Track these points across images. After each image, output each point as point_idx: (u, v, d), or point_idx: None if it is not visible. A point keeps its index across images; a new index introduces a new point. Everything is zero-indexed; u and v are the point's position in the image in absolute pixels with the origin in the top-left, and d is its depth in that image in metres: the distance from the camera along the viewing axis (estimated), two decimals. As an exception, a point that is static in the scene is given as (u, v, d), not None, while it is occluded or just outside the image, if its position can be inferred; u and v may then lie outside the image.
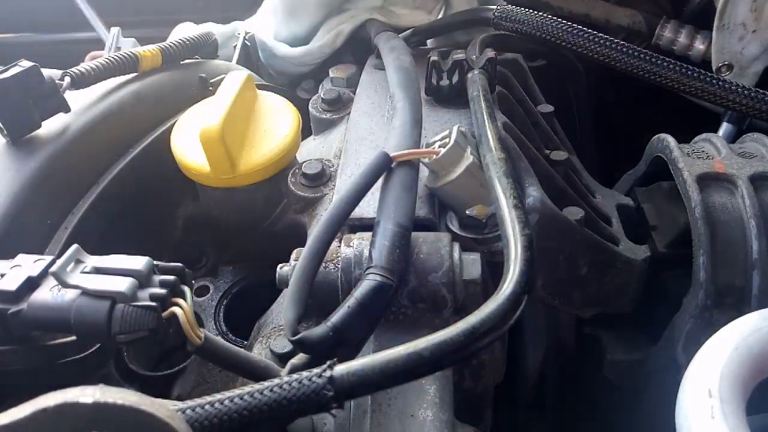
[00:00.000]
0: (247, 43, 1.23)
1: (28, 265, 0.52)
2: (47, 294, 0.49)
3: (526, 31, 0.87)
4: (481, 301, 0.49)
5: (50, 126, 0.74)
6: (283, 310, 0.56)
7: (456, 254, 0.61)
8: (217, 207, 0.85)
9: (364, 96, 0.86)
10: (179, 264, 0.51)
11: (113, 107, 0.81)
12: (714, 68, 1.01)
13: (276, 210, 0.83)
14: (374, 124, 0.79)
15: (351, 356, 0.53)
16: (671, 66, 0.81)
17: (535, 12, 0.89)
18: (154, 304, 0.47)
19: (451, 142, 0.65)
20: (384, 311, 0.57)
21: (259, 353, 0.63)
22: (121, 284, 0.47)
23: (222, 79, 0.84)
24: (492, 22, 0.90)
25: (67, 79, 0.76)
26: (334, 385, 0.42)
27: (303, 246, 0.61)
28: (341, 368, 0.43)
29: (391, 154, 0.63)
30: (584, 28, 0.85)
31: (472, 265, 0.61)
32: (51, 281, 0.50)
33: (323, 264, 0.61)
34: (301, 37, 1.09)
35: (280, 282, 0.64)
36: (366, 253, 0.59)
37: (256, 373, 0.53)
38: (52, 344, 0.54)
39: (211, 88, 0.92)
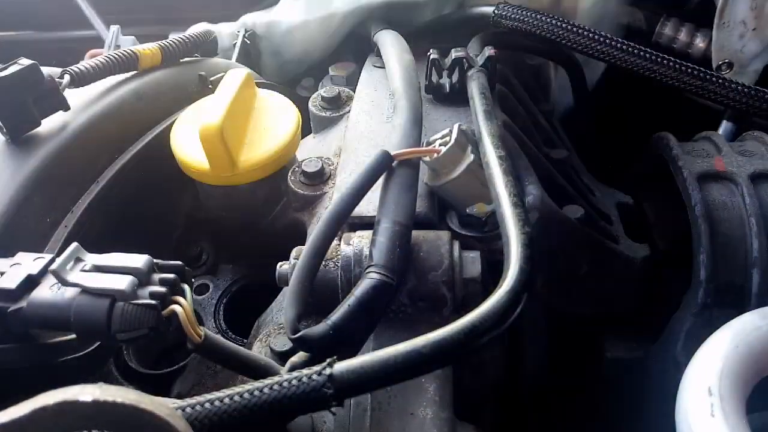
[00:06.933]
0: (247, 41, 1.23)
1: (27, 263, 0.51)
2: (47, 292, 0.49)
3: (526, 29, 0.87)
4: (480, 300, 0.49)
5: (50, 124, 0.73)
6: (283, 308, 0.56)
7: (456, 253, 0.61)
8: (217, 205, 0.85)
9: (364, 94, 0.86)
10: (179, 262, 0.51)
11: (113, 105, 0.81)
12: (714, 66, 1.01)
13: (276, 208, 0.83)
14: (374, 123, 0.79)
15: (351, 355, 0.53)
16: (671, 64, 0.81)
17: (535, 10, 0.89)
18: (154, 302, 0.47)
19: (452, 140, 0.64)
20: (384, 310, 0.57)
21: (258, 351, 0.63)
22: (121, 282, 0.47)
23: (221, 77, 0.84)
24: (492, 20, 0.90)
25: (67, 78, 0.76)
26: (334, 383, 0.42)
27: (303, 244, 0.61)
28: (341, 366, 0.43)
29: (392, 153, 0.63)
30: (584, 26, 0.85)
31: (472, 263, 0.60)
32: (51, 279, 0.50)
33: (323, 262, 0.61)
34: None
35: (280, 280, 0.64)
36: (366, 251, 0.59)
37: (256, 371, 0.53)
38: (51, 342, 0.54)
39: (210, 86, 0.92)
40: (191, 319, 0.48)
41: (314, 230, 0.59)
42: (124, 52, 0.85)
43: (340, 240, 0.63)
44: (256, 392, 0.42)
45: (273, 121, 0.82)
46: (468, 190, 0.65)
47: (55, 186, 0.71)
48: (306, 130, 0.89)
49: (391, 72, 0.80)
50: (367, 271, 0.55)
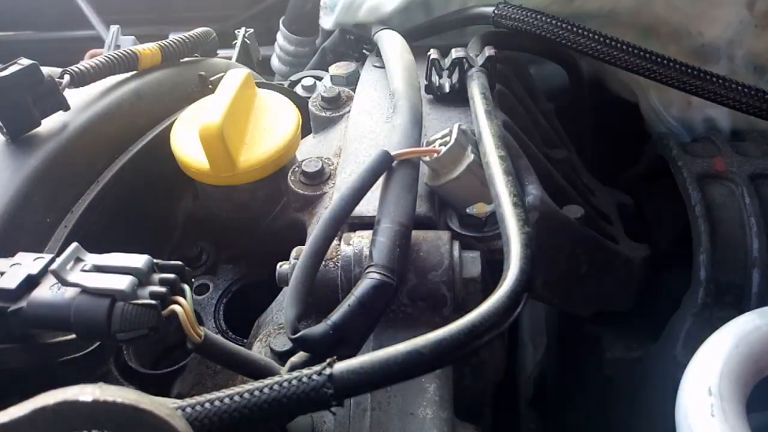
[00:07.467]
0: (247, 41, 1.23)
1: (27, 263, 0.51)
2: (47, 292, 0.49)
3: (526, 29, 0.87)
4: (480, 300, 0.49)
5: (50, 124, 0.73)
6: (283, 308, 0.56)
7: (456, 252, 0.61)
8: (217, 205, 0.85)
9: (363, 94, 0.86)
10: (179, 262, 0.51)
11: (113, 105, 0.81)
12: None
13: (276, 208, 0.83)
14: (374, 123, 0.79)
15: (351, 355, 0.53)
16: (671, 64, 0.81)
17: (536, 10, 0.88)
18: (154, 302, 0.47)
19: (452, 140, 0.65)
20: (384, 310, 0.57)
21: (258, 351, 0.63)
22: (121, 282, 0.47)
23: (221, 77, 0.84)
24: (492, 19, 0.90)
25: (67, 77, 0.76)
26: (334, 383, 0.42)
27: (303, 244, 0.61)
28: (341, 366, 0.43)
29: (392, 153, 0.63)
30: (584, 26, 0.85)
31: (472, 263, 0.60)
32: (51, 279, 0.50)
33: (323, 262, 0.61)
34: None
35: (280, 280, 0.64)
36: (366, 251, 0.59)
37: (256, 371, 0.52)
38: (51, 342, 0.54)
39: (210, 86, 0.92)
40: (191, 319, 0.48)
41: (314, 230, 0.59)
42: (124, 52, 0.85)
43: (340, 240, 0.63)
44: (256, 392, 0.42)
45: (273, 121, 0.82)
46: (468, 190, 0.65)
47: (55, 186, 0.71)
48: (306, 130, 0.89)
49: (391, 72, 0.80)
50: (367, 271, 0.55)
